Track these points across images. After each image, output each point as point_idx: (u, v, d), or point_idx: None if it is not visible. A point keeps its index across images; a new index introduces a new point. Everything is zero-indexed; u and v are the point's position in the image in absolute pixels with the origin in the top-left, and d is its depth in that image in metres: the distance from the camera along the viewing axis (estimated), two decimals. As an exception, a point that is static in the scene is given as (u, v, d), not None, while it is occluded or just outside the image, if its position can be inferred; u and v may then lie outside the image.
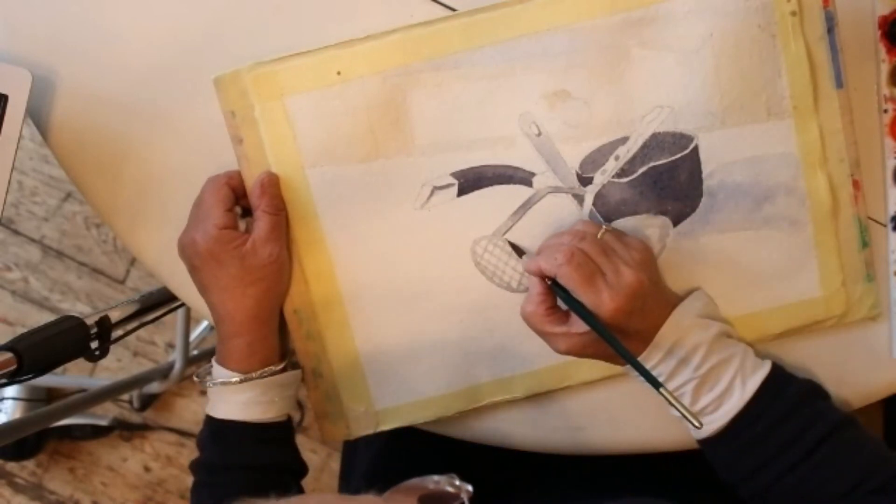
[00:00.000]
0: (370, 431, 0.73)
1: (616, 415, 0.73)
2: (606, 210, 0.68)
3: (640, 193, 0.68)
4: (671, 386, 0.63)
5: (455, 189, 0.68)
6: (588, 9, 0.65)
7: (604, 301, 0.60)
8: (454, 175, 0.68)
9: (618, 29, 0.65)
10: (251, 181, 0.68)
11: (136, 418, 1.56)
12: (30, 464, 1.57)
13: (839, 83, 0.67)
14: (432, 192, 0.68)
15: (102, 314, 0.74)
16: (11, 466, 1.57)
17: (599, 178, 0.68)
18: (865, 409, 0.73)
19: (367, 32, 0.66)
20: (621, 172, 0.68)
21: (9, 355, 0.64)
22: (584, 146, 0.67)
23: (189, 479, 0.71)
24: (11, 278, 1.57)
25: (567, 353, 0.64)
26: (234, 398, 0.67)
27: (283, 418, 0.70)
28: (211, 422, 0.69)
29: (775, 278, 0.70)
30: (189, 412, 1.57)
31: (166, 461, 1.57)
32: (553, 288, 0.63)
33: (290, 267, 0.69)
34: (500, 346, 0.71)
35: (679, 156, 0.67)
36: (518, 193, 0.68)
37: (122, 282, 1.56)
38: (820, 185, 0.68)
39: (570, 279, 0.61)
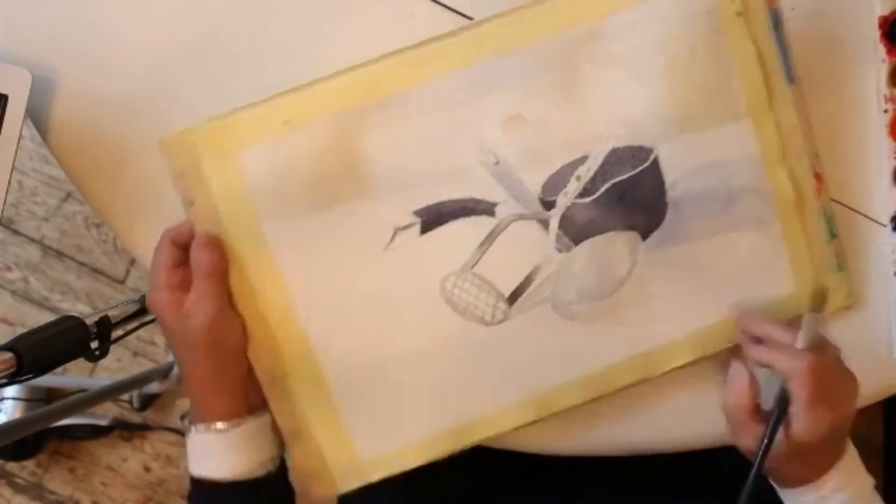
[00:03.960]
0: (359, 485, 0.70)
1: (617, 416, 0.73)
2: (574, 232, 0.67)
3: (606, 211, 0.67)
4: None
5: (418, 227, 0.66)
6: (535, 30, 0.64)
7: (819, 426, 0.59)
8: (416, 213, 0.66)
9: (566, 47, 0.64)
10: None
11: (136, 418, 1.56)
12: (30, 464, 1.57)
13: (791, 79, 0.67)
14: (395, 234, 0.66)
15: (102, 314, 0.74)
16: (11, 466, 1.57)
17: (563, 201, 0.66)
18: (865, 410, 0.73)
19: (366, 32, 0.66)
20: (584, 192, 0.66)
21: (9, 355, 0.64)
22: (544, 169, 0.66)
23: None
24: (11, 278, 1.57)
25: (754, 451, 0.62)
26: (217, 455, 0.64)
27: (270, 467, 0.67)
28: (199, 485, 0.65)
29: (749, 279, 0.69)
30: (189, 412, 1.57)
31: (166, 461, 1.57)
32: (781, 392, 0.61)
33: (239, 322, 0.66)
34: (479, 380, 0.69)
35: (640, 169, 0.66)
36: (482, 224, 0.67)
37: (122, 282, 1.56)
38: (782, 181, 0.68)
39: (804, 389, 0.59)
